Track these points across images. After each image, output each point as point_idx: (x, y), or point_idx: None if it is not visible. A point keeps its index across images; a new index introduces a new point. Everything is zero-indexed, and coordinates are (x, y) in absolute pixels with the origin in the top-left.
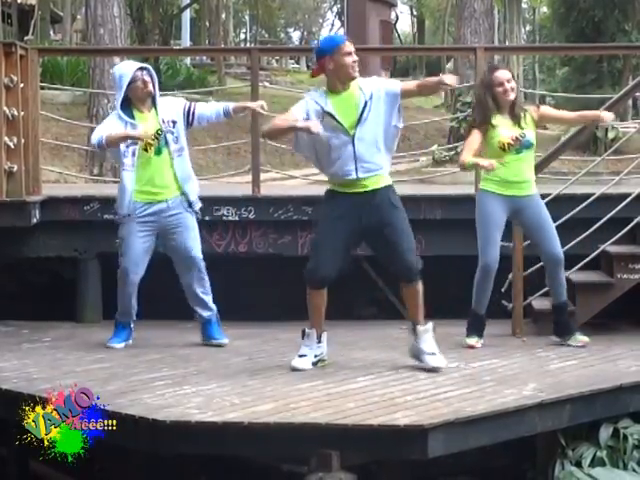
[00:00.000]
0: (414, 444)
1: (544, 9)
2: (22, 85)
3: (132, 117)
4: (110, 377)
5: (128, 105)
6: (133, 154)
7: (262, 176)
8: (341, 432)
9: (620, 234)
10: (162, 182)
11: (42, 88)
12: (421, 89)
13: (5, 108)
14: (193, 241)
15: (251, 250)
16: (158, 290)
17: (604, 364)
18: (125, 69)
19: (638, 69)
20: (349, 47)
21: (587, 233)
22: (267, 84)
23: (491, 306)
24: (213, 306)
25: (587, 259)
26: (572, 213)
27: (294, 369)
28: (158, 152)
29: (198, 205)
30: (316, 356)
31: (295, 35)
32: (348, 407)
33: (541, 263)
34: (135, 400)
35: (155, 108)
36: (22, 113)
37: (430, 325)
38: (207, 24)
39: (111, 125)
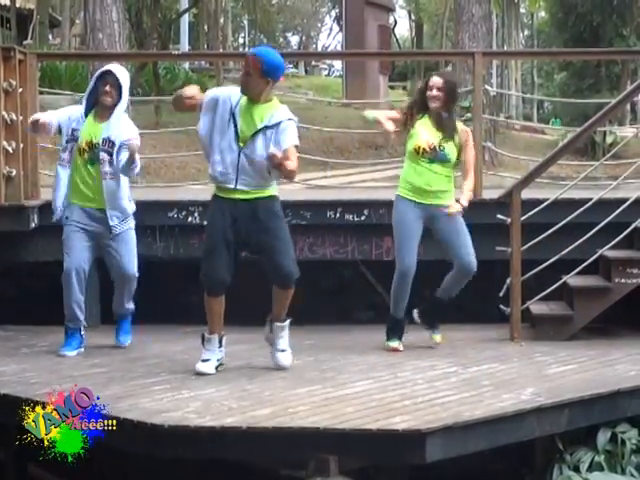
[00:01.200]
0: (412, 449)
1: (542, 14)
2: (21, 90)
3: (85, 115)
4: (108, 381)
5: (93, 104)
6: (71, 151)
7: None
8: (339, 437)
9: (618, 239)
10: (93, 191)
11: (41, 93)
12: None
13: (4, 113)
14: (128, 255)
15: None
16: (156, 295)
17: (602, 368)
18: (105, 67)
19: (636, 74)
20: (246, 66)
21: (585, 237)
22: None
23: (490, 310)
24: (128, 311)
25: (585, 263)
26: (570, 218)
27: (199, 373)
28: (91, 163)
29: (129, 221)
30: (218, 360)
31: (294, 39)
32: (346, 412)
33: (540, 267)
34: (133, 404)
35: (109, 122)
36: (21, 118)
37: (287, 322)
38: (206, 28)
39: (68, 110)
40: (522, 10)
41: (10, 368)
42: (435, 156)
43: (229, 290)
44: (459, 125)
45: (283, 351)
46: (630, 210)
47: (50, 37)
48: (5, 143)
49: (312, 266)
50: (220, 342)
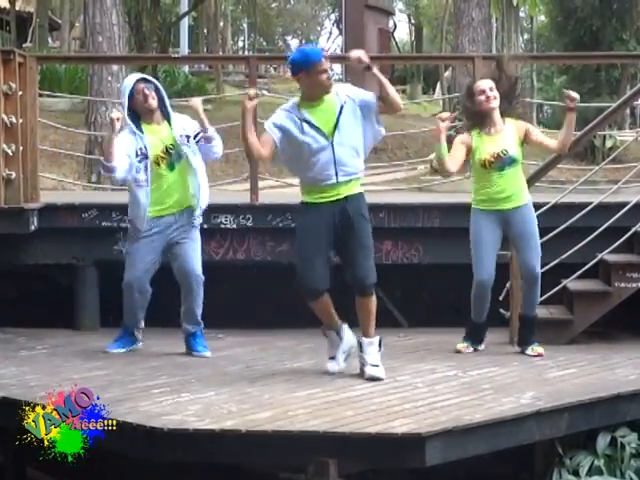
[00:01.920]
0: (412, 452)
1: (542, 18)
2: (20, 92)
3: (140, 130)
4: (108, 384)
5: (137, 117)
6: (146, 169)
7: (260, 184)
8: (339, 440)
9: (618, 243)
10: (174, 197)
11: (40, 95)
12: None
13: (4, 115)
14: (194, 255)
15: (249, 258)
16: (157, 297)
17: (602, 372)
18: (127, 81)
19: (636, 78)
20: (325, 64)
21: (585, 242)
22: (265, 92)
23: (489, 314)
24: (200, 321)
25: (585, 267)
26: (570, 222)
27: (327, 372)
28: (171, 168)
29: (199, 220)
30: (344, 352)
31: (293, 43)
32: (346, 415)
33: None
34: (133, 407)
35: (168, 122)
36: (20, 120)
37: (377, 339)
38: (205, 32)
39: (122, 140)
40: (522, 14)
41: (9, 370)
42: (502, 162)
43: (231, 294)
44: (510, 121)
45: (376, 366)
46: (630, 214)
47: (50, 40)
48: (5, 146)
49: None
50: (339, 334)
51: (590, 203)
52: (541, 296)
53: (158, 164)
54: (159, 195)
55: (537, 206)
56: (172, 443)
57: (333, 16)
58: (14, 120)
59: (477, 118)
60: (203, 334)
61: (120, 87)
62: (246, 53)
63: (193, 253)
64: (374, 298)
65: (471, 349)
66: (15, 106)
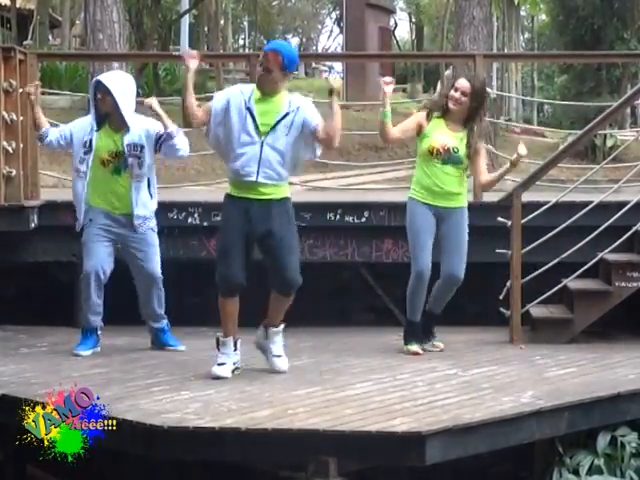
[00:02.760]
0: (412, 451)
1: (543, 17)
2: (21, 90)
3: (98, 126)
4: (108, 382)
5: (106, 115)
6: (88, 163)
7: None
8: (339, 438)
9: (618, 242)
10: (119, 199)
11: (41, 93)
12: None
13: (4, 113)
14: (151, 259)
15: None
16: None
17: (602, 372)
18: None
19: (637, 77)
20: (262, 58)
21: (585, 241)
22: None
23: (490, 313)
24: (164, 316)
25: (585, 267)
26: (570, 221)
27: (215, 377)
28: (117, 172)
29: (151, 224)
30: (234, 363)
31: (294, 41)
32: (346, 413)
33: (540, 270)
34: (133, 405)
35: (127, 128)
36: (21, 118)
37: (281, 327)
38: (206, 30)
39: (77, 121)
40: (523, 13)
41: (9, 368)
42: (448, 158)
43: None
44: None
45: (279, 356)
46: (630, 213)
47: (50, 37)
48: (5, 143)
49: (312, 268)
50: (235, 345)
51: (591, 202)
52: (541, 295)
53: (104, 165)
54: (103, 191)
55: (538, 205)
56: (172, 441)
57: (334, 14)
58: (14, 117)
59: (444, 106)
60: (170, 328)
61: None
62: (247, 51)
63: (151, 257)
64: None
65: (421, 350)
66: (15, 103)
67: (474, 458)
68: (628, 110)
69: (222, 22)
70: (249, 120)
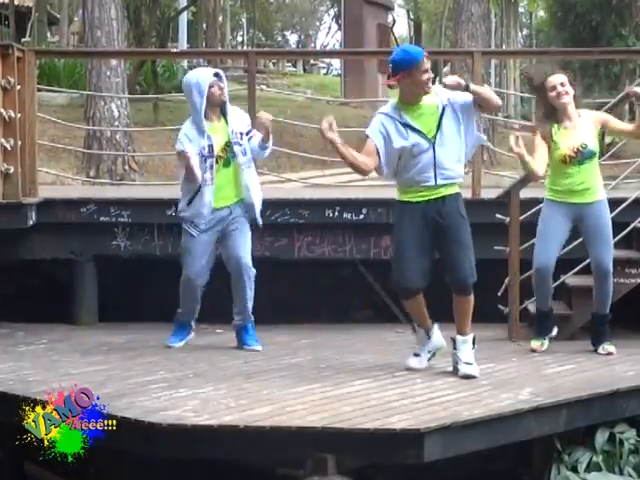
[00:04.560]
0: (410, 448)
1: (541, 13)
2: (19, 87)
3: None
4: (106, 380)
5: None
6: (211, 168)
7: (260, 179)
8: (337, 436)
9: (617, 238)
10: (228, 192)
11: (39, 90)
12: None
13: (2, 110)
14: (244, 246)
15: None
16: (154, 293)
17: (601, 368)
18: (202, 74)
19: (635, 73)
20: (426, 64)
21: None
22: (264, 87)
23: (487, 310)
24: (251, 315)
25: (584, 263)
26: None
27: (408, 368)
28: (227, 164)
29: (259, 218)
30: (429, 351)
31: (292, 38)
32: (344, 411)
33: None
34: (131, 403)
35: (225, 118)
36: (19, 115)
37: (470, 337)
38: (204, 27)
39: (192, 137)
40: (521, 9)
41: (7, 366)
42: (582, 157)
43: (229, 290)
44: (586, 113)
45: (470, 364)
46: (629, 210)
47: (48, 34)
48: (3, 140)
49: (310, 265)
50: (428, 333)
51: None
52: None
53: (217, 162)
54: (216, 190)
55: (537, 201)
56: (170, 438)
57: (332, 11)
58: (12, 114)
59: (552, 113)
60: (254, 327)
61: (119, 81)
62: (245, 48)
63: (243, 245)
64: (472, 297)
65: (547, 344)
66: (14, 100)
67: (472, 455)
68: (626, 107)
69: (220, 19)
70: (411, 133)
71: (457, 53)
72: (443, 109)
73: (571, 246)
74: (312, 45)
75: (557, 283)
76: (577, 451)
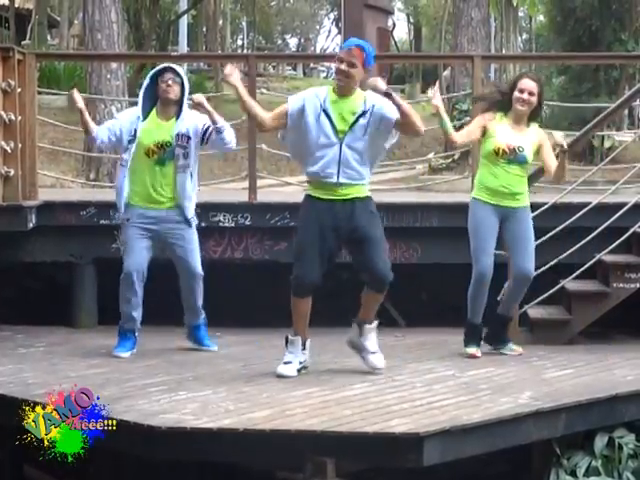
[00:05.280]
0: (410, 452)
1: (541, 17)
2: (19, 90)
3: (145, 115)
4: (105, 383)
5: (154, 104)
6: (130, 152)
7: (258, 182)
8: (336, 439)
9: (616, 243)
10: (161, 191)
11: (39, 93)
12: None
13: (2, 112)
14: (192, 254)
15: (247, 256)
16: (153, 296)
17: (600, 373)
18: (159, 67)
19: (635, 78)
20: (346, 56)
21: (583, 242)
22: (264, 90)
23: (487, 314)
24: (202, 312)
25: (583, 268)
26: (568, 222)
27: (280, 376)
28: (161, 163)
29: (194, 220)
30: (300, 363)
31: (292, 41)
32: (344, 414)
33: (538, 271)
34: (130, 406)
35: (176, 119)
36: (19, 118)
37: (375, 324)
38: (204, 30)
39: (123, 113)
40: (521, 14)
41: (7, 368)
42: (514, 157)
43: (229, 293)
44: (536, 129)
45: (374, 353)
46: (628, 214)
47: (49, 37)
48: (3, 143)
49: None
50: (304, 345)
51: (589, 203)
52: (539, 296)
53: (148, 155)
54: (144, 186)
55: (536, 206)
56: (169, 441)
57: (332, 15)
58: (13, 117)
59: (507, 105)
60: (207, 327)
61: (119, 84)
62: (245, 51)
63: (192, 253)
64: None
65: (479, 353)
66: (14, 103)
67: (472, 459)
68: (626, 111)
69: (220, 22)
70: (326, 122)
71: (457, 57)
72: (362, 113)
73: (570, 251)
74: (312, 49)
75: (556, 288)
76: (576, 455)
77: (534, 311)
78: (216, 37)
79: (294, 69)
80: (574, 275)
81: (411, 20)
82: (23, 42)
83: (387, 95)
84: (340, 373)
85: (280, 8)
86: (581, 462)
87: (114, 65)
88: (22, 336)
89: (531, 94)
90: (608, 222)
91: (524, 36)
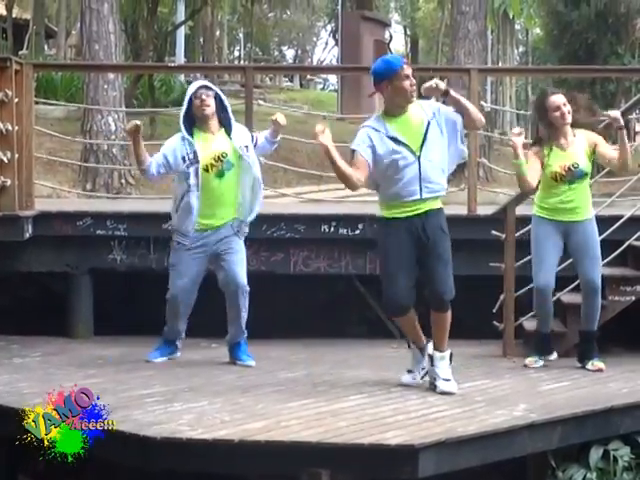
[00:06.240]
0: (405, 464)
1: (537, 30)
2: (17, 100)
3: (191, 135)
4: (101, 393)
5: (192, 124)
6: (196, 173)
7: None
8: (332, 451)
9: (612, 256)
10: (222, 209)
11: (36, 103)
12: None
13: None
14: (239, 265)
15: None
16: (149, 307)
17: (595, 386)
18: (191, 86)
19: (631, 91)
20: (407, 70)
21: None
22: (261, 102)
23: (484, 326)
24: (244, 330)
25: (578, 281)
26: None
27: (402, 385)
28: (220, 175)
29: (245, 230)
30: (423, 368)
31: (289, 53)
32: (339, 426)
33: (532, 284)
34: (126, 416)
35: (227, 131)
36: (16, 128)
37: (448, 353)
38: (201, 41)
39: (168, 143)
40: (517, 27)
41: (2, 378)
42: (573, 176)
43: (224, 304)
44: (581, 133)
45: (448, 380)
46: (624, 227)
47: (46, 48)
48: (0, 153)
49: (306, 280)
50: (422, 351)
51: None
52: (532, 310)
53: (207, 171)
54: (207, 205)
55: (532, 219)
56: (165, 452)
57: (329, 27)
58: (10, 127)
59: (550, 132)
60: (247, 343)
61: (116, 95)
62: (242, 63)
63: (239, 264)
64: (450, 313)
65: (540, 363)
66: (11, 113)
67: (467, 471)
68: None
69: (217, 34)
70: (399, 147)
71: (454, 70)
72: (428, 123)
73: (565, 264)
74: (309, 60)
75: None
76: (571, 468)
77: (530, 323)
78: (213, 48)
79: (291, 81)
80: (570, 287)
81: (408, 32)
82: (20, 52)
83: (446, 93)
84: (335, 384)
85: (277, 20)
86: (576, 474)
87: (111, 76)
88: (18, 346)
89: (565, 105)
90: (604, 235)
91: (521, 49)
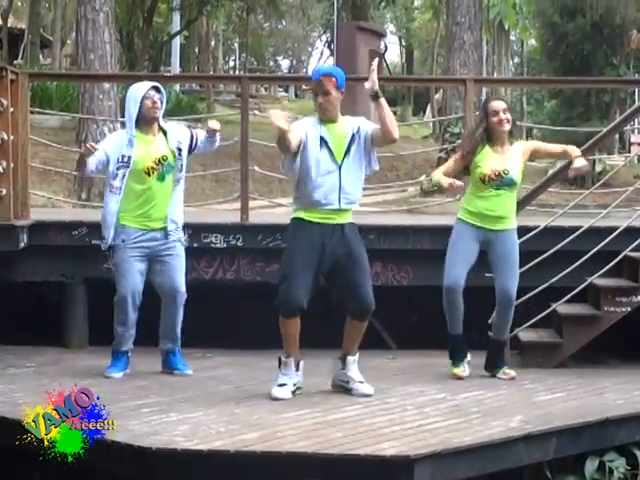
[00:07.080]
0: (400, 474)
1: (533, 42)
2: (12, 109)
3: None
4: None
5: (135, 124)
6: (123, 177)
7: (250, 204)
8: (327, 462)
9: (607, 267)
10: (160, 209)
11: (31, 112)
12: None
13: None
14: (178, 271)
15: (239, 277)
16: (145, 316)
17: (591, 397)
18: (140, 86)
19: (626, 103)
20: (325, 86)
21: (574, 266)
22: (257, 112)
23: (479, 337)
24: (179, 338)
25: (574, 292)
26: (559, 246)
27: (274, 398)
28: (161, 178)
29: (183, 235)
30: (294, 384)
31: (284, 63)
32: (335, 437)
33: (529, 295)
34: (121, 427)
35: (164, 133)
36: (12, 137)
37: (357, 356)
38: (197, 51)
39: (110, 139)
40: (512, 38)
41: None
42: (501, 182)
43: (220, 315)
44: (518, 143)
45: (362, 382)
46: (619, 238)
47: (41, 57)
48: None
49: None
50: (297, 366)
51: (580, 227)
52: (530, 319)
53: (149, 174)
54: (146, 207)
55: (527, 229)
56: (160, 463)
57: (324, 37)
58: (5, 137)
59: (488, 135)
60: (181, 352)
61: (111, 105)
62: (237, 72)
63: (178, 269)
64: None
65: (467, 367)
66: (7, 123)
67: None
68: (616, 136)
69: (213, 43)
70: (325, 152)
71: (450, 81)
72: (353, 136)
73: (561, 274)
74: (304, 70)
75: (547, 311)
76: (567, 479)
77: (525, 334)
78: (208, 58)
79: (286, 91)
80: (565, 299)
81: (403, 43)
82: (15, 62)
83: (376, 96)
84: (331, 395)
85: (272, 30)
86: None
87: (107, 85)
88: (12, 356)
89: (505, 111)
90: (599, 246)
91: (516, 60)
